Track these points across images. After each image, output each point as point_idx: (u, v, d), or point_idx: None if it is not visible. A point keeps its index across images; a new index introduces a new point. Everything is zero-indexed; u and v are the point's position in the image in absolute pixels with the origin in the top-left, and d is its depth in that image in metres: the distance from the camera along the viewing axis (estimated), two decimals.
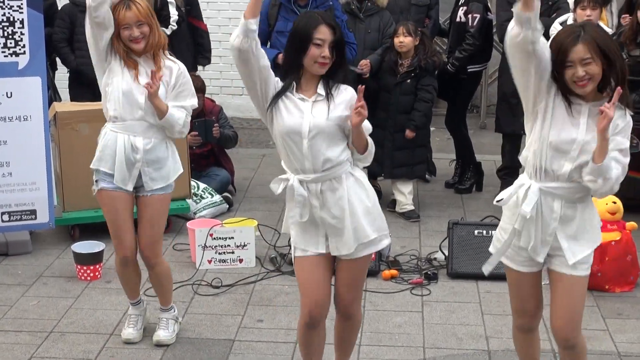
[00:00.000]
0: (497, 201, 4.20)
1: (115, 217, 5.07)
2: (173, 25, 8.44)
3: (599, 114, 3.82)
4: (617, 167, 3.92)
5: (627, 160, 3.96)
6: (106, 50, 4.96)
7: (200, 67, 9.10)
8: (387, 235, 4.48)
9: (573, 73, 3.87)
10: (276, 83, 4.32)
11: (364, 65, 7.47)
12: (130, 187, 5.04)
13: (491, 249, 4.28)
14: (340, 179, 4.29)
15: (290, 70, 4.32)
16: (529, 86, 3.95)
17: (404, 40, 7.39)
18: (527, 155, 4.08)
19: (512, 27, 3.85)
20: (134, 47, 4.92)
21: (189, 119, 5.12)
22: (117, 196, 5.03)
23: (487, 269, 4.35)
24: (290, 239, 4.55)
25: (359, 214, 4.32)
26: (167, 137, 5.10)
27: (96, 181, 5.09)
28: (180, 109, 5.04)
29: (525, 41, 3.81)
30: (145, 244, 5.13)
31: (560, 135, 3.95)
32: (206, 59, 8.98)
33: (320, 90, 4.29)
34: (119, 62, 4.98)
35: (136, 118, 4.99)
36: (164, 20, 8.55)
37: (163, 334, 5.27)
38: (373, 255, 6.13)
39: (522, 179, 4.11)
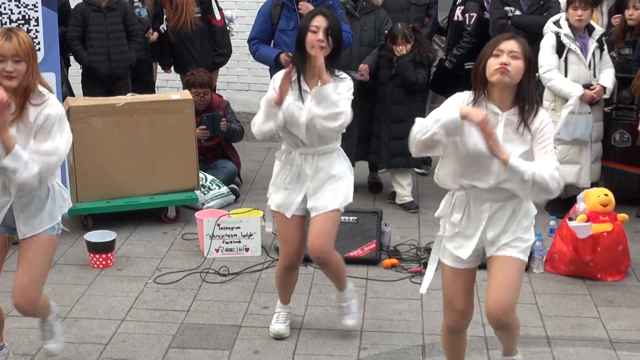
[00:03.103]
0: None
1: None
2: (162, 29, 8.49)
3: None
4: (540, 168, 3.86)
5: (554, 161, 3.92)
6: None
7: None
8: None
9: (498, 62, 3.87)
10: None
11: (364, 70, 7.46)
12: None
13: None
14: (330, 154, 4.90)
15: (297, 61, 4.81)
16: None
17: (402, 49, 7.37)
18: (445, 167, 4.10)
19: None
20: (4, 83, 4.08)
21: (37, 168, 4.11)
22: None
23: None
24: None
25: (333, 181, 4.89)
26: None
27: None
28: (33, 155, 4.11)
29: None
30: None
31: (475, 147, 3.90)
32: (221, 56, 8.88)
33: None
34: None
35: None
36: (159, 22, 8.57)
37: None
38: (374, 245, 6.20)
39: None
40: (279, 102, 4.76)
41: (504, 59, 3.88)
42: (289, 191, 4.95)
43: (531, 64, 3.96)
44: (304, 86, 4.81)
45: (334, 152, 4.96)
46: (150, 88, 8.71)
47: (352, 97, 4.84)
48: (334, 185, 4.92)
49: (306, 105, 4.78)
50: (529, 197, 3.97)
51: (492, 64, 3.90)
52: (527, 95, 3.94)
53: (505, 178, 3.93)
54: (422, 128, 3.89)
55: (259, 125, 4.88)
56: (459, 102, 3.98)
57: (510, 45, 3.91)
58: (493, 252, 4.08)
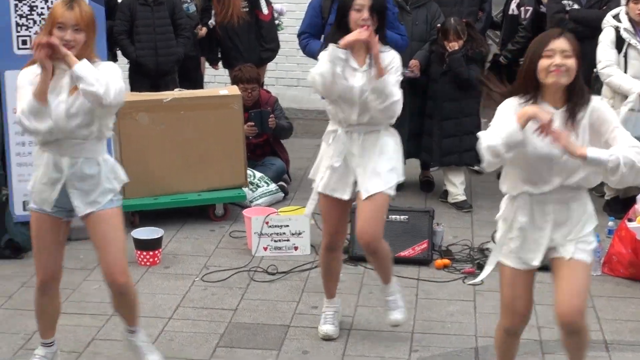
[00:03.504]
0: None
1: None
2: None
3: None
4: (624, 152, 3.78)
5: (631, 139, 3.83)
6: None
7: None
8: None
9: (550, 62, 3.81)
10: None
11: (414, 65, 7.41)
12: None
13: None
14: (377, 133, 4.83)
15: (341, 36, 4.71)
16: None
17: (454, 45, 7.30)
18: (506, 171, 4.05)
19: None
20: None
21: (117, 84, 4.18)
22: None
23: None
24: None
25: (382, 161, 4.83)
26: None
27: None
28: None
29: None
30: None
31: (538, 149, 3.85)
32: (268, 51, 8.86)
33: (368, 63, 4.71)
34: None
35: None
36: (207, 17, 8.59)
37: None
38: (426, 245, 6.14)
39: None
40: (345, 46, 4.67)
41: (557, 60, 3.81)
42: (336, 172, 4.89)
43: (580, 58, 3.88)
44: (353, 64, 4.76)
45: (384, 129, 4.90)
46: (198, 84, 8.73)
47: (400, 77, 4.82)
48: (384, 165, 4.85)
49: (356, 83, 4.73)
50: (622, 183, 3.86)
51: (545, 65, 3.83)
52: (580, 91, 3.88)
53: (570, 176, 3.87)
54: (488, 146, 3.83)
55: (318, 67, 4.76)
56: (510, 110, 3.91)
57: (561, 44, 3.83)
58: (559, 254, 4.00)
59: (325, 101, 4.96)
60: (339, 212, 4.99)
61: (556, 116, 3.87)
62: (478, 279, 4.37)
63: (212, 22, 8.62)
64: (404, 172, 5.00)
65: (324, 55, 4.75)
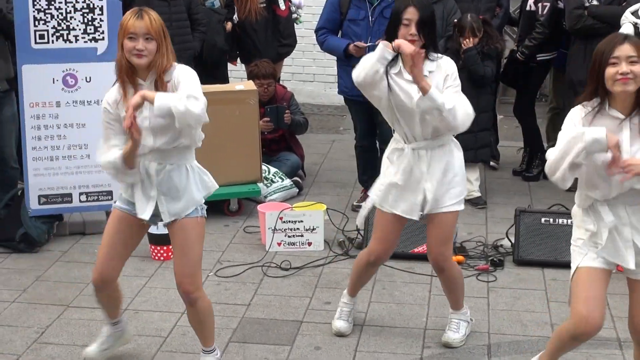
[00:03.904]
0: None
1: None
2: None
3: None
4: None
5: None
6: None
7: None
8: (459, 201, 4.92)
9: (617, 71, 3.80)
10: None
11: None
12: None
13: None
14: (443, 147, 4.81)
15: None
16: None
17: (469, 42, 7.33)
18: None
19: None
20: (134, 61, 4.24)
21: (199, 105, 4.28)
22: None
23: None
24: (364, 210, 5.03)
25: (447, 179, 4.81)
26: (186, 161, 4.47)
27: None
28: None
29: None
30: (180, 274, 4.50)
31: (604, 156, 3.85)
32: (285, 47, 8.90)
33: (425, 71, 4.66)
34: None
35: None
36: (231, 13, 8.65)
37: None
38: None
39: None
40: (395, 49, 4.61)
41: (623, 68, 3.79)
42: (398, 188, 4.83)
43: None
44: (406, 75, 4.70)
45: (449, 144, 4.87)
46: (225, 79, 8.83)
47: (458, 84, 4.78)
48: (452, 181, 4.83)
49: (413, 94, 4.67)
50: None
51: (611, 73, 3.81)
52: None
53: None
54: (561, 155, 3.85)
55: (363, 63, 4.67)
56: (579, 117, 3.93)
57: (626, 50, 3.81)
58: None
59: (386, 116, 4.88)
60: (394, 229, 4.94)
61: (625, 122, 3.88)
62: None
63: (235, 17, 8.69)
64: (466, 189, 5.03)
65: (371, 54, 4.70)
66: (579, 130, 3.84)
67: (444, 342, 5.06)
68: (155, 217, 4.46)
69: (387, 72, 4.69)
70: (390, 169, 4.87)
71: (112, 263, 4.51)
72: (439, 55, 4.78)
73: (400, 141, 4.85)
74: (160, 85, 4.26)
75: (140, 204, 4.41)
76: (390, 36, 4.69)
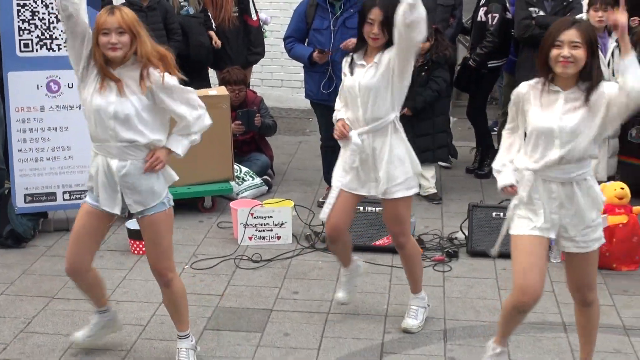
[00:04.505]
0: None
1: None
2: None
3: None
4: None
5: None
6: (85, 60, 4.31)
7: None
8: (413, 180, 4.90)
9: (559, 53, 3.88)
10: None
11: None
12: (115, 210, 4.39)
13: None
14: (386, 131, 4.78)
15: (360, 40, 4.84)
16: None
17: (422, 46, 7.36)
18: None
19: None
20: (109, 54, 4.21)
21: (199, 111, 4.39)
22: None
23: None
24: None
25: (394, 161, 4.79)
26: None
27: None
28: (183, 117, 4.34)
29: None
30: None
31: (539, 123, 3.97)
32: (254, 55, 8.90)
33: (377, 59, 4.75)
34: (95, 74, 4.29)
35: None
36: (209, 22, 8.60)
37: None
38: None
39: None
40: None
41: (565, 52, 3.88)
42: (355, 172, 4.88)
43: (594, 45, 3.92)
44: (360, 61, 4.81)
45: (389, 127, 4.83)
46: (207, 79, 8.83)
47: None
48: (396, 167, 4.82)
49: (359, 77, 4.77)
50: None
51: (555, 54, 3.90)
52: (589, 76, 3.94)
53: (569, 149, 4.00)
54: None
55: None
56: (522, 94, 4.05)
57: (571, 35, 3.88)
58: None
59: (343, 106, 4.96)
60: (347, 206, 4.93)
61: (560, 94, 3.97)
62: None
63: (214, 27, 8.64)
64: (419, 167, 4.96)
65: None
66: (499, 162, 4.18)
67: (403, 328, 5.08)
68: (123, 209, 4.42)
69: (351, 59, 4.85)
70: (344, 155, 4.94)
71: (81, 254, 4.46)
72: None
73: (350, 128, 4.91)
74: (145, 75, 4.21)
75: (106, 201, 4.36)
76: (360, 31, 4.82)
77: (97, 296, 4.73)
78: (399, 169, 4.82)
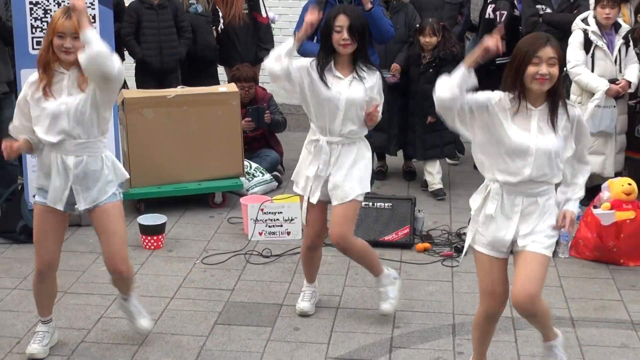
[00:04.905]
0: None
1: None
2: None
3: None
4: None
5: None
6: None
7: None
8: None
9: (537, 70, 3.84)
10: (310, 64, 4.83)
11: (395, 70, 7.48)
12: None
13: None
14: (354, 145, 4.86)
15: (326, 53, 4.82)
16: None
17: (430, 40, 7.36)
18: (481, 159, 4.06)
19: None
20: (62, 57, 4.28)
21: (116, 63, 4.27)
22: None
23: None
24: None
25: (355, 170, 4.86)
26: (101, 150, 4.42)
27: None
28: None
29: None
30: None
31: (513, 140, 3.91)
32: (264, 51, 8.88)
33: (355, 73, 4.79)
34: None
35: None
36: (215, 21, 8.60)
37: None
38: (408, 230, 6.19)
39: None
40: (301, 38, 4.75)
41: (544, 69, 3.84)
42: (315, 177, 4.90)
43: (562, 62, 3.97)
44: (337, 73, 4.81)
45: (359, 142, 4.92)
46: (216, 76, 8.82)
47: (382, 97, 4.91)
48: (355, 173, 4.87)
49: (341, 90, 4.78)
50: None
51: (532, 72, 3.85)
52: (557, 93, 3.94)
53: (538, 165, 3.95)
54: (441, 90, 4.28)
55: (270, 60, 4.84)
56: (496, 99, 3.99)
57: (548, 52, 3.86)
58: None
59: (308, 109, 4.93)
60: (317, 213, 4.98)
61: (534, 113, 3.93)
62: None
63: (221, 25, 8.63)
64: (369, 184, 5.00)
65: (283, 46, 4.85)
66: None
67: (381, 313, 5.10)
68: (71, 205, 4.45)
69: (321, 70, 4.81)
70: (307, 159, 4.94)
71: (51, 249, 4.50)
72: (371, 67, 4.90)
73: (317, 133, 4.90)
74: (82, 79, 4.29)
75: (53, 195, 4.39)
76: (325, 43, 4.81)
77: (48, 305, 4.73)
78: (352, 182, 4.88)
